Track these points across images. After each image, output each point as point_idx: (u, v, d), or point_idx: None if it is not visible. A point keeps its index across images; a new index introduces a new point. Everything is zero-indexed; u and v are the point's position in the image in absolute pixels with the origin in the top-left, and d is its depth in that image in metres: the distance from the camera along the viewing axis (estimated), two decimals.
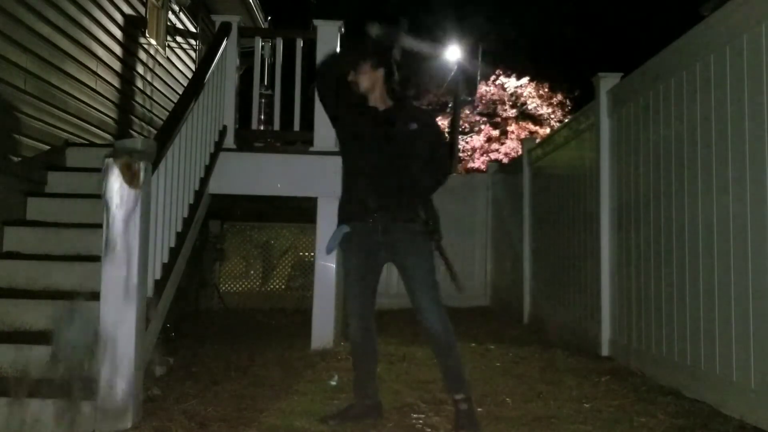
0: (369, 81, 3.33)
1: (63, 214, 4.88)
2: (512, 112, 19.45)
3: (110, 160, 3.24)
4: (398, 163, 3.23)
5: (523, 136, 17.16)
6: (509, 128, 19.19)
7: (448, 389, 3.32)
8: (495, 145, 19.06)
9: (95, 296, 3.33)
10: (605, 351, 5.09)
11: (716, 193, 3.62)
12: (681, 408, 3.56)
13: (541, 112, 19.30)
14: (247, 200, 6.13)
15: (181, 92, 5.88)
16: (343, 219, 3.34)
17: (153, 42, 7.73)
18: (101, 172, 3.24)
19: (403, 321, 6.75)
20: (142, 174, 3.25)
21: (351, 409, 3.36)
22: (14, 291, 4.20)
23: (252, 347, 5.22)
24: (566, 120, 11.97)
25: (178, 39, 8.85)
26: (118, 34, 6.68)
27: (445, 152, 3.43)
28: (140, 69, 7.40)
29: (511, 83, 19.40)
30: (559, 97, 19.42)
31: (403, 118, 3.30)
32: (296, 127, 5.67)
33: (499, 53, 19.79)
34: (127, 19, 6.92)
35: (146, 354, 3.58)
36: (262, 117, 6.27)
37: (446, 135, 4.13)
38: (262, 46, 5.95)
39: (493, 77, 19.64)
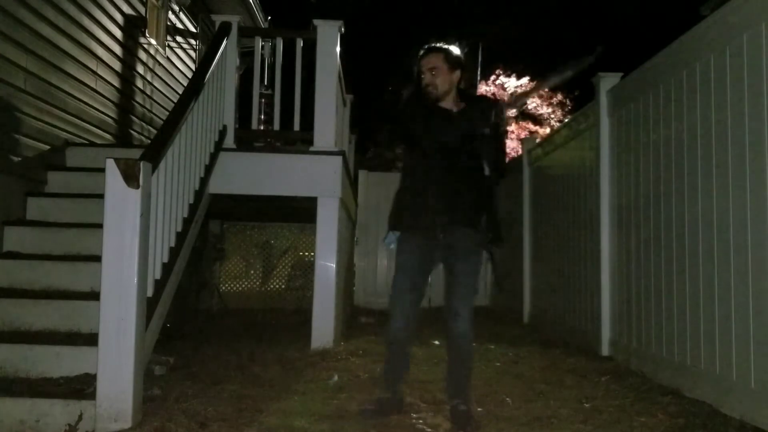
0: (447, 83, 3.28)
1: (63, 214, 4.88)
2: (512, 112, 19.44)
3: (111, 160, 3.24)
4: (468, 165, 3.21)
5: (523, 135, 17.16)
6: (509, 128, 19.19)
7: (450, 393, 3.32)
8: None
9: (95, 296, 3.33)
10: (605, 351, 5.09)
11: (716, 193, 3.62)
12: (681, 408, 3.56)
13: (541, 112, 19.30)
14: (247, 200, 6.12)
15: (181, 92, 5.88)
16: (398, 226, 3.36)
17: (153, 42, 7.72)
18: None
19: None
20: (142, 174, 3.25)
21: (385, 402, 3.39)
22: (14, 291, 4.20)
23: (252, 347, 5.22)
24: (566, 120, 11.96)
25: (178, 39, 8.84)
26: (118, 33, 6.68)
27: (505, 148, 3.45)
28: (140, 69, 7.40)
29: (511, 83, 19.40)
30: (559, 97, 19.42)
31: (478, 119, 3.25)
32: (296, 127, 5.66)
33: (498, 53, 19.80)
34: (127, 19, 6.92)
35: (146, 354, 3.58)
36: (262, 117, 6.26)
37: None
38: (262, 46, 5.95)
39: (493, 77, 19.65)
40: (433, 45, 3.34)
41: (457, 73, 3.29)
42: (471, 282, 3.23)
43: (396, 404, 3.40)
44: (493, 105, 3.32)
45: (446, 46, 3.32)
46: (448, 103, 3.30)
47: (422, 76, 3.29)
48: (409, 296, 3.30)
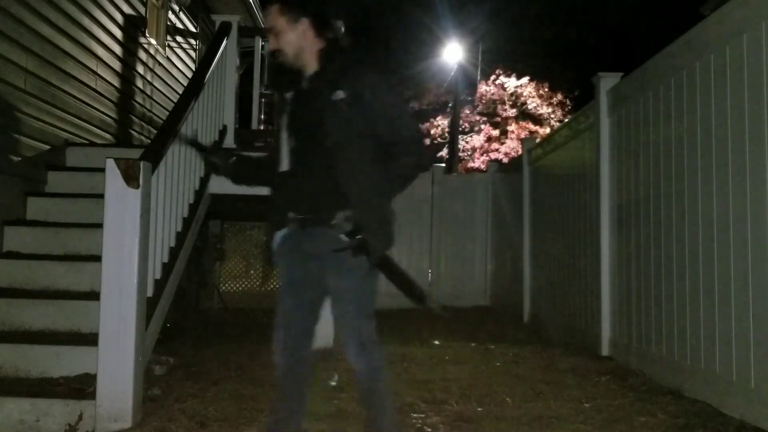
0: (294, 44, 2.43)
1: (63, 214, 4.88)
2: (512, 112, 19.48)
3: (111, 159, 3.24)
4: (316, 150, 2.38)
5: (523, 135, 17.18)
6: (509, 128, 19.22)
7: None
8: (495, 145, 19.09)
9: (95, 296, 3.33)
10: (605, 351, 5.09)
11: (716, 193, 3.62)
12: (681, 408, 3.56)
13: (541, 111, 19.33)
14: (247, 200, 6.11)
15: (181, 92, 5.88)
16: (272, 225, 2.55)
17: (153, 42, 7.72)
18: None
19: (403, 321, 6.76)
20: (142, 174, 3.25)
21: None
22: (14, 291, 4.20)
23: (252, 347, 5.22)
24: (566, 120, 11.97)
25: (178, 39, 8.85)
26: (118, 33, 6.68)
27: (412, 130, 2.45)
28: (140, 69, 7.40)
29: (511, 83, 19.42)
30: (559, 96, 19.45)
31: (326, 85, 2.39)
32: None
33: (499, 53, 19.82)
34: (127, 18, 6.92)
35: (146, 354, 3.58)
36: (262, 117, 6.27)
37: (406, 105, 2.51)
38: (262, 46, 5.95)
39: (493, 77, 19.66)
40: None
41: (305, 24, 2.43)
42: (350, 299, 2.41)
43: None
44: (362, 68, 2.45)
45: None
46: (308, 68, 2.47)
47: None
48: (289, 317, 2.50)
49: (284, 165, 2.45)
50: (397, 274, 2.41)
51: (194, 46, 9.33)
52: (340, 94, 2.35)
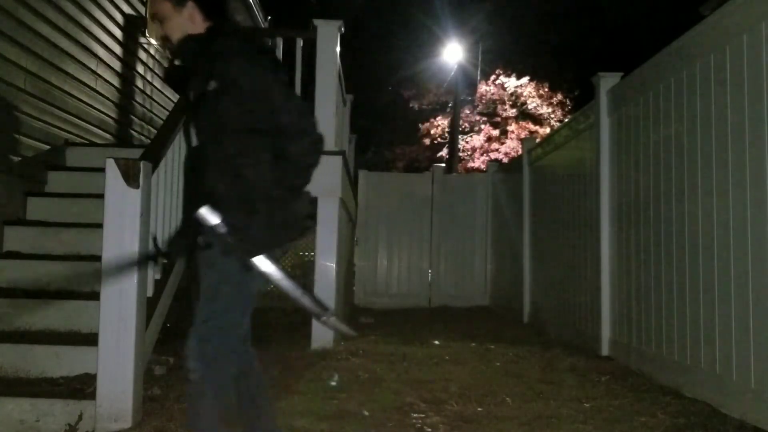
0: (179, 29, 2.28)
1: (63, 214, 4.88)
2: (512, 112, 19.47)
3: (111, 159, 3.25)
4: (196, 145, 2.28)
5: (523, 135, 17.18)
6: (509, 128, 19.22)
7: None
8: (495, 145, 19.09)
9: (95, 296, 3.33)
10: (605, 351, 5.09)
11: (716, 193, 3.62)
12: (681, 408, 3.56)
13: (541, 111, 19.32)
14: None
15: None
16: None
17: (153, 41, 7.72)
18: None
19: (403, 321, 6.77)
20: (142, 174, 3.26)
21: None
22: (14, 291, 4.20)
23: (252, 347, 5.21)
24: (566, 120, 11.97)
25: None
26: (118, 33, 6.68)
27: (294, 115, 2.22)
28: (140, 68, 7.40)
29: (511, 83, 19.41)
30: (559, 96, 19.44)
31: (200, 74, 2.22)
32: None
33: (499, 53, 19.81)
34: (127, 18, 6.92)
35: (146, 354, 3.59)
36: None
37: (286, 90, 2.26)
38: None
39: (493, 77, 19.66)
40: None
41: (189, 8, 2.27)
42: (204, 295, 2.25)
43: None
44: (239, 51, 2.23)
45: None
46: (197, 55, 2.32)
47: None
48: None
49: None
50: (281, 281, 2.21)
51: None
52: (213, 84, 2.17)
